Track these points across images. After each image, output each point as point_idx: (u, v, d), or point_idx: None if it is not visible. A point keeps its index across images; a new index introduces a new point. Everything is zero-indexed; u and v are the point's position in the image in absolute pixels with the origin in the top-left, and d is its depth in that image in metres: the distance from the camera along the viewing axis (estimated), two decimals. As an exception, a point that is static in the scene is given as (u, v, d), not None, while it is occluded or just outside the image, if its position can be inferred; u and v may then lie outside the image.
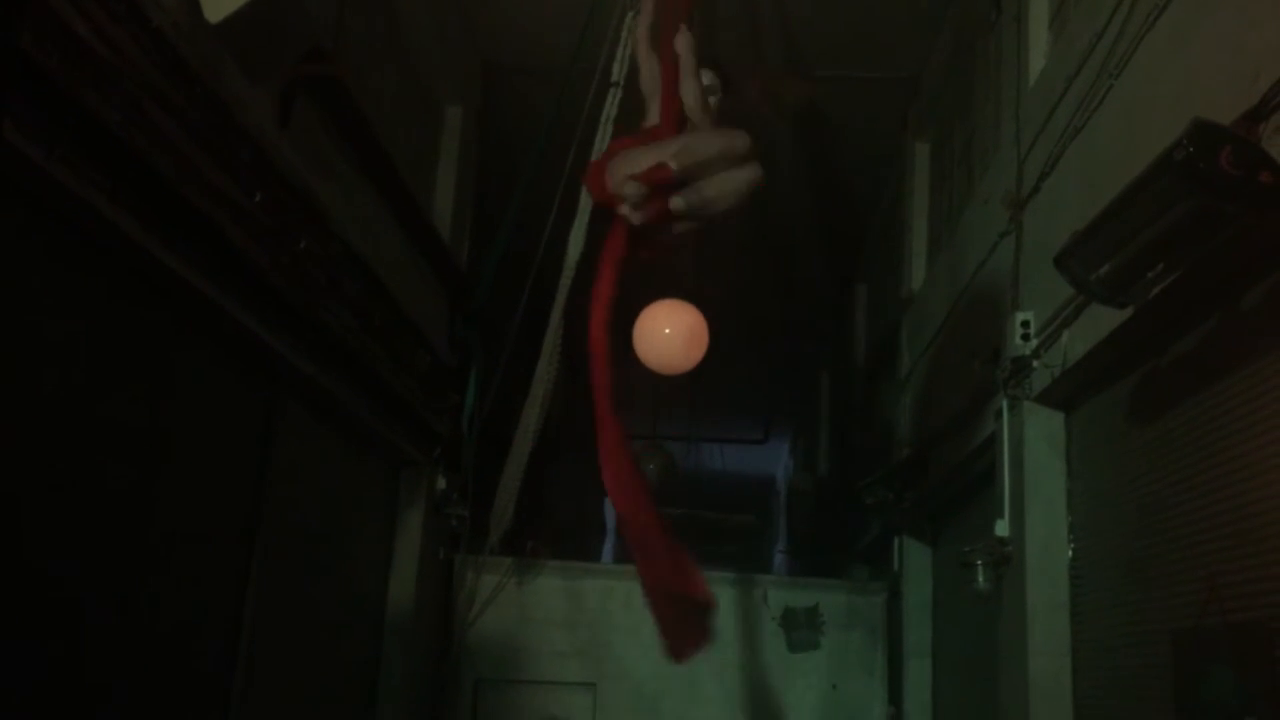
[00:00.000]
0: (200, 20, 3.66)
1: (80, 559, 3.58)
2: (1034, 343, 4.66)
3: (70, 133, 3.10)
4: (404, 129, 6.62)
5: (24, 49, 2.81)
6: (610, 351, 3.94)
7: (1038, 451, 4.74)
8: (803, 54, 7.26)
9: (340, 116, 5.12)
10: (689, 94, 3.90)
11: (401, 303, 6.01)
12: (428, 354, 6.58)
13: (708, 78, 4.14)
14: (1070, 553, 4.60)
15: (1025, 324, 4.73)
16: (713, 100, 4.09)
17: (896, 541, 7.78)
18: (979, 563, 4.97)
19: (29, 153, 2.97)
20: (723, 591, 7.71)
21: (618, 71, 5.97)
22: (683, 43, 3.97)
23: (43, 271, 3.33)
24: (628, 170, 3.65)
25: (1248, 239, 2.84)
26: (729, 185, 3.70)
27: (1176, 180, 2.70)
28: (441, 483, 7.06)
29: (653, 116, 4.03)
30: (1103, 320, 3.87)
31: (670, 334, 6.57)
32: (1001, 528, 4.87)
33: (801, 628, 7.61)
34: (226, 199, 3.93)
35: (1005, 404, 4.91)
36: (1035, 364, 4.65)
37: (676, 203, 3.67)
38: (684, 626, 4.23)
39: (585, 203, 6.26)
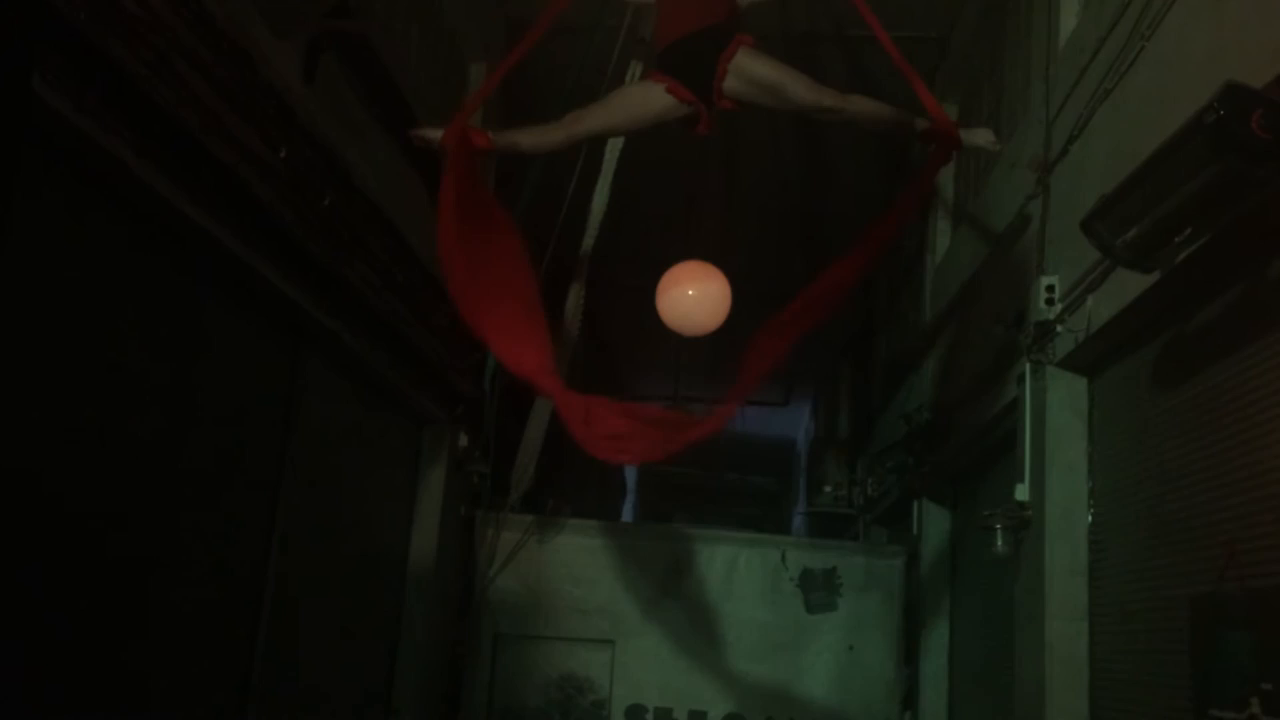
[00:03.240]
0: (226, -26, 3.65)
1: (106, 513, 3.64)
2: (1058, 307, 4.63)
3: (98, 86, 3.12)
4: (428, 85, 6.60)
5: (53, 4, 2.82)
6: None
7: (1060, 416, 4.72)
8: (830, 12, 7.18)
9: (365, 72, 5.11)
10: None
11: (425, 260, 6.02)
12: (449, 311, 6.58)
13: None
14: (1090, 518, 4.60)
15: (1050, 288, 4.69)
16: None
17: (916, 505, 7.79)
18: (998, 526, 4.98)
19: (57, 105, 2.99)
20: (741, 551, 7.76)
21: (645, 29, 5.93)
22: None
23: (68, 224, 3.36)
24: None
25: (1277, 204, 2.81)
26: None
27: (1207, 143, 2.67)
28: (463, 440, 7.11)
29: None
30: (1128, 285, 3.84)
31: (694, 294, 6.58)
32: (1021, 492, 4.86)
33: (819, 589, 7.65)
34: (251, 154, 3.95)
35: (1028, 368, 4.89)
36: (1059, 329, 4.63)
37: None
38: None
39: (611, 159, 6.25)
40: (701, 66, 4.39)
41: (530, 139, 4.72)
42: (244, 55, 3.83)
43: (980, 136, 4.82)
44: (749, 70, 4.39)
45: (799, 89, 4.49)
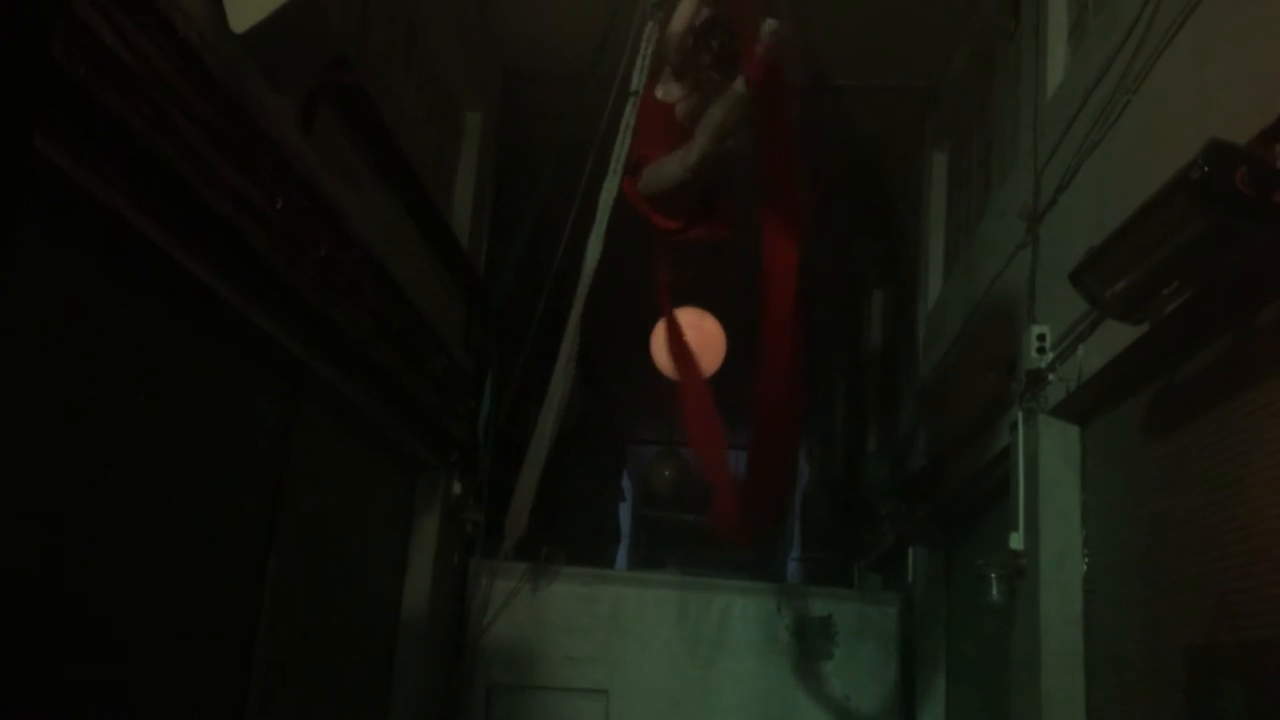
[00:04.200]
0: (225, 30, 3.70)
1: (101, 557, 3.63)
2: (1049, 356, 4.66)
3: (97, 140, 3.16)
4: (424, 134, 6.66)
5: (54, 59, 2.85)
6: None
7: (1052, 464, 4.74)
8: (822, 63, 7.27)
9: (361, 123, 5.16)
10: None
11: (419, 307, 6.05)
12: (444, 358, 6.62)
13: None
14: (1084, 566, 4.60)
15: (1041, 337, 4.73)
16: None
17: (910, 552, 7.77)
18: (993, 575, 4.97)
19: (56, 160, 3.02)
20: (736, 599, 7.72)
21: (637, 80, 5.99)
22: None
23: (67, 275, 3.38)
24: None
25: (1262, 258, 2.85)
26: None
27: (1192, 199, 2.70)
28: (457, 487, 7.09)
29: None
30: (1118, 335, 3.87)
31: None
32: (1016, 540, 4.87)
33: (815, 637, 7.60)
34: (248, 204, 3.98)
35: (1020, 416, 4.91)
36: (1051, 377, 4.65)
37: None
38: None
39: (604, 208, 6.29)
40: None
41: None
42: (242, 108, 3.87)
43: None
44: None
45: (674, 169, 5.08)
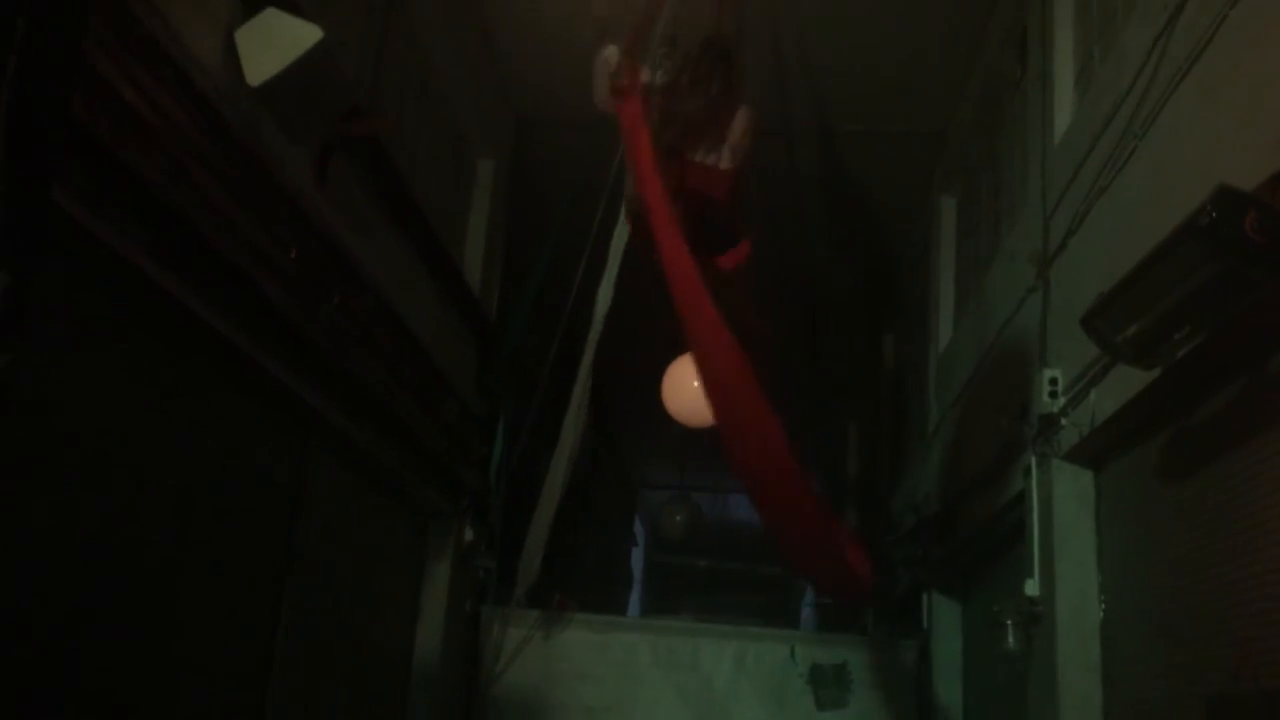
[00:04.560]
0: (241, 83, 3.76)
1: (113, 604, 3.63)
2: (1062, 400, 4.65)
3: (115, 192, 3.20)
4: (437, 182, 6.73)
5: (74, 115, 2.90)
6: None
7: (1067, 510, 4.71)
8: (830, 108, 7.34)
9: (375, 172, 5.22)
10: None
11: (431, 354, 6.07)
12: (456, 404, 6.64)
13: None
14: (1101, 613, 4.55)
15: (1053, 381, 4.71)
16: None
17: (925, 597, 7.71)
18: (1009, 622, 4.93)
19: (74, 211, 3.06)
20: (750, 646, 7.66)
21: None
22: None
23: (83, 324, 3.41)
24: None
25: (1273, 303, 2.85)
26: None
27: (1201, 245, 2.71)
28: (469, 534, 7.08)
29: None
30: (1131, 380, 3.86)
31: (699, 386, 6.61)
32: (1031, 587, 4.83)
33: (830, 685, 7.53)
34: (263, 255, 4.02)
35: (1034, 461, 4.89)
36: (1063, 422, 4.64)
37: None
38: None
39: (615, 255, 6.34)
40: None
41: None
42: (258, 160, 3.92)
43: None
44: None
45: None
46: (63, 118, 2.82)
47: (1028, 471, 4.94)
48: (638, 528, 16.07)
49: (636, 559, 15.87)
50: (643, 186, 4.57)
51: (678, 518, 12.80)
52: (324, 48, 3.81)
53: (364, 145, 5.01)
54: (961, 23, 6.62)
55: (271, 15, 3.81)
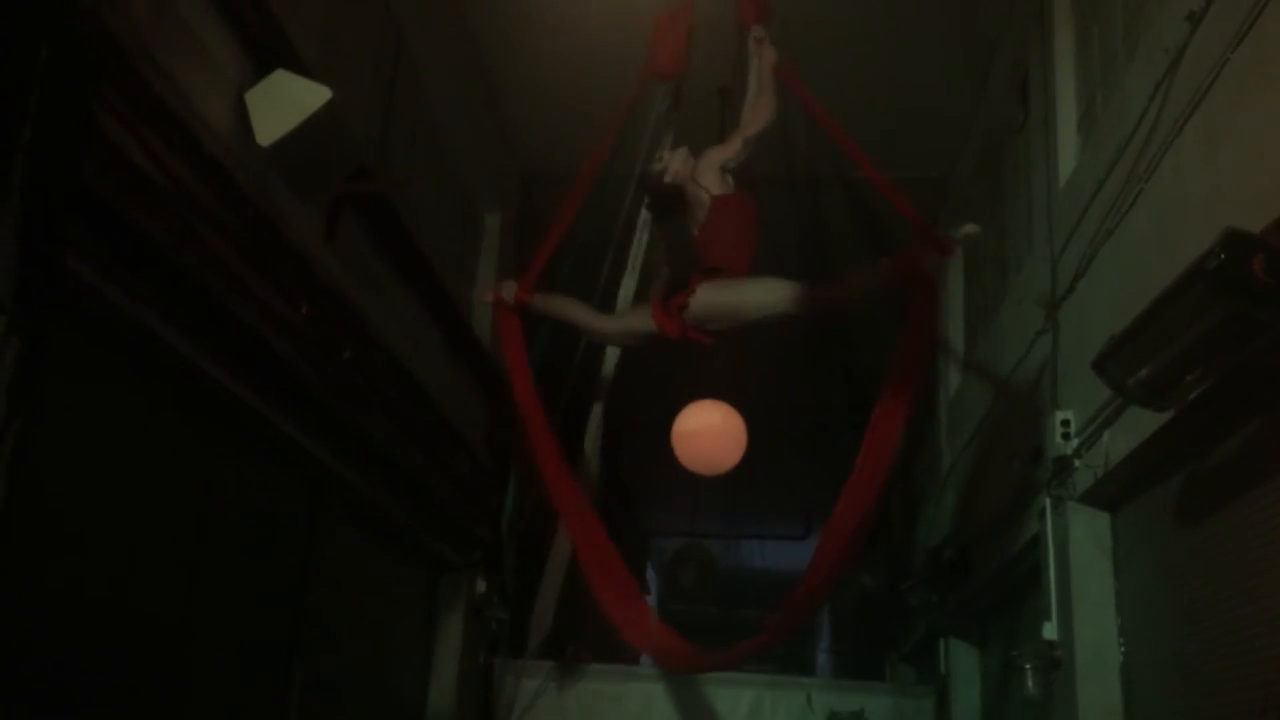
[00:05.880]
0: (251, 143, 3.80)
1: (126, 662, 3.61)
2: (1075, 442, 4.63)
3: (125, 254, 3.22)
4: (444, 237, 6.78)
5: (85, 178, 2.93)
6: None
7: (1084, 552, 4.66)
8: (833, 155, 7.38)
9: (383, 229, 5.26)
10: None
11: (442, 407, 6.08)
12: (467, 457, 6.63)
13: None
14: (1121, 656, 4.50)
15: (1065, 423, 4.69)
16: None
17: (942, 643, 7.63)
18: (1028, 667, 4.87)
19: (84, 274, 3.08)
20: (766, 694, 7.59)
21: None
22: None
23: (93, 386, 3.42)
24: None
25: (1284, 344, 2.84)
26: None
27: (1210, 288, 2.71)
28: (481, 585, 7.04)
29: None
30: (1143, 421, 3.84)
31: (708, 434, 6.61)
32: (1049, 630, 4.77)
33: (847, 733, 7.44)
34: (273, 313, 4.04)
35: (1049, 504, 4.85)
36: (1077, 464, 4.61)
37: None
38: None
39: (623, 305, 6.37)
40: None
41: (565, 309, 5.58)
42: (267, 219, 3.96)
43: (966, 229, 4.90)
44: (706, 301, 4.96)
45: (758, 301, 4.96)
46: (75, 184, 2.86)
47: (1043, 514, 4.90)
48: (650, 576, 15.96)
49: (650, 606, 15.72)
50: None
51: (690, 565, 12.70)
52: (332, 108, 3.85)
53: (372, 203, 5.06)
54: (963, 68, 6.68)
55: (281, 76, 3.85)
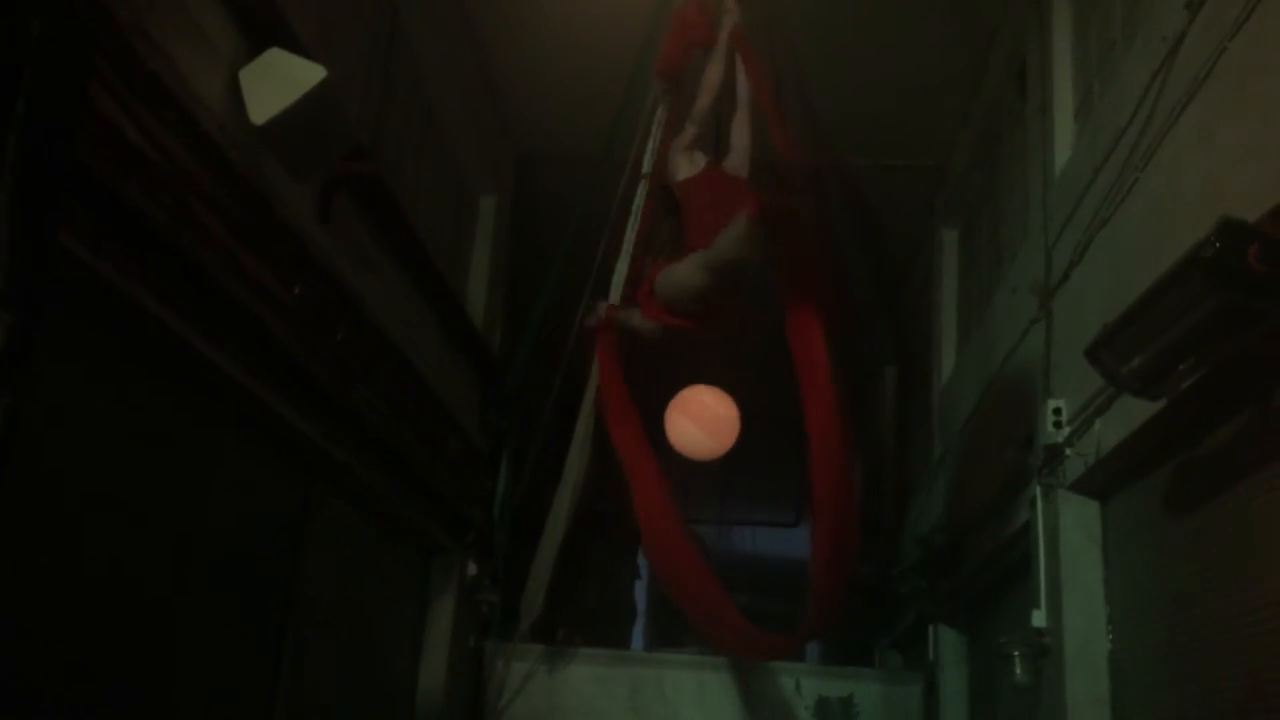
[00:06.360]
0: (245, 122, 3.78)
1: (117, 643, 3.61)
2: (1066, 430, 4.64)
3: (117, 231, 3.20)
4: (439, 218, 6.75)
5: (78, 154, 2.91)
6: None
7: (1074, 540, 4.68)
8: (832, 142, 7.37)
9: (378, 210, 5.24)
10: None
11: (435, 389, 6.07)
12: (460, 440, 6.63)
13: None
14: (1110, 644, 4.52)
15: (1057, 411, 4.71)
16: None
17: (931, 630, 7.66)
18: (1016, 654, 4.89)
19: (77, 250, 3.06)
20: (754, 680, 7.60)
21: (648, 163, 6.11)
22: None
23: (85, 363, 3.41)
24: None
25: (1277, 334, 2.84)
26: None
27: (1204, 277, 2.72)
28: (473, 568, 7.05)
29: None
30: (1136, 410, 3.85)
31: (702, 419, 6.61)
32: (1038, 618, 4.80)
33: (836, 718, 7.47)
34: (267, 292, 4.02)
35: (1039, 492, 4.87)
36: (1068, 452, 4.62)
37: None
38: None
39: (617, 289, 6.36)
40: None
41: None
42: (261, 198, 3.94)
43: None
44: (660, 286, 5.23)
45: (681, 278, 5.13)
46: (69, 161, 2.84)
47: (1033, 502, 4.92)
48: (641, 561, 15.99)
49: (640, 592, 15.77)
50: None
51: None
52: (327, 87, 3.83)
53: (367, 183, 5.03)
54: (961, 57, 6.67)
55: (275, 55, 3.83)
